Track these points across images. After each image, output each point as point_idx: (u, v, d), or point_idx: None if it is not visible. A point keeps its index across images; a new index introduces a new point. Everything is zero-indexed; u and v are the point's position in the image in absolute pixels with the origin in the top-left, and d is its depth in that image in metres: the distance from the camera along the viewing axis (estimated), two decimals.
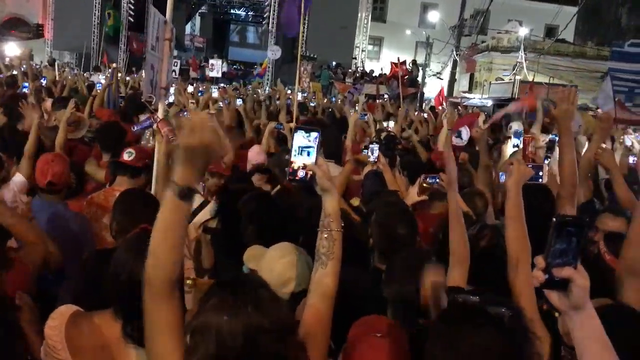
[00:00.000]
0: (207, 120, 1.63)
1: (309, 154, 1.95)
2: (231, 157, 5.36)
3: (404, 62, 21.66)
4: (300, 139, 1.96)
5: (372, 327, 2.07)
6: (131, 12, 27.86)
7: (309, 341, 1.84)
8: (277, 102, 10.98)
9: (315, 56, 23.23)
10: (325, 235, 1.99)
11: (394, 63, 21.16)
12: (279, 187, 4.34)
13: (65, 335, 1.99)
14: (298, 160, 1.96)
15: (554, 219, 1.35)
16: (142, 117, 6.49)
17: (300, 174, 1.96)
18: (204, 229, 3.78)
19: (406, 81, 22.48)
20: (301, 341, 1.80)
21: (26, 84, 8.73)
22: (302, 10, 7.06)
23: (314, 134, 1.96)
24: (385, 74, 27.44)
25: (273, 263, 2.44)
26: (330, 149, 5.87)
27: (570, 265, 1.36)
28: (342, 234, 2.03)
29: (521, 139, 5.59)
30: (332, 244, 1.99)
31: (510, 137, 5.84)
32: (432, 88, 29.40)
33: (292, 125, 7.05)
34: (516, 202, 2.41)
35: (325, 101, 15.36)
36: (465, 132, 6.96)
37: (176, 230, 1.66)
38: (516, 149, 5.64)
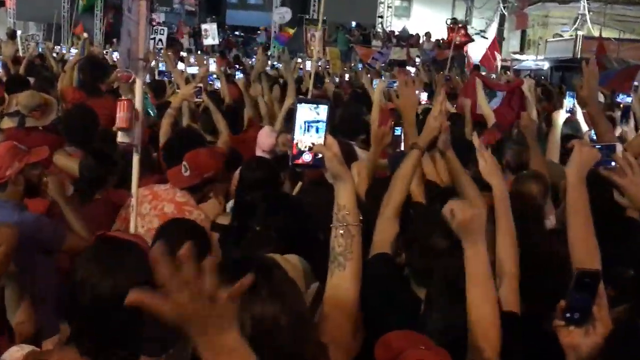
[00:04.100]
0: None
1: (317, 130, 1.86)
2: (226, 140, 5.33)
3: (465, 27, 21.36)
4: (305, 112, 1.87)
5: (410, 341, 2.02)
6: None
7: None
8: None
9: (325, 18, 23.39)
10: (341, 232, 1.97)
11: (449, 27, 20.99)
12: (300, 184, 4.32)
13: None
14: (304, 139, 1.87)
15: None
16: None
17: (306, 157, 1.87)
18: (212, 227, 3.80)
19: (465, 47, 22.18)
20: (323, 343, 1.78)
21: None
22: None
23: (323, 107, 1.88)
24: (418, 34, 27.23)
25: None
26: (351, 128, 5.80)
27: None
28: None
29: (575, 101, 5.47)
30: (351, 241, 1.97)
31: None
32: (476, 49, 29.10)
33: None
34: (578, 194, 2.35)
35: (344, 69, 15.21)
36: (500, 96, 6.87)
37: None
38: (569, 114, 5.53)
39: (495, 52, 15.29)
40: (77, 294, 1.96)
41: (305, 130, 1.87)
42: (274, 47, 24.86)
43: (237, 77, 9.44)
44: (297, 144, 1.88)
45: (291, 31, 21.82)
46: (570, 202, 2.38)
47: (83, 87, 6.83)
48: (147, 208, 3.85)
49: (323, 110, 1.87)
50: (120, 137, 3.46)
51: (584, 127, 5.59)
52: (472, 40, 23.29)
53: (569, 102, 5.59)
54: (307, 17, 25.54)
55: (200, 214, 3.88)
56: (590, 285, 1.54)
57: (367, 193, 3.68)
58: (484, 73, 13.18)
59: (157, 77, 9.43)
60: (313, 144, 1.88)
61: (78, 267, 2.02)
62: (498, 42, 21.44)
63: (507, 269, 2.46)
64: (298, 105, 1.89)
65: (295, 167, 1.97)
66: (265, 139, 5.65)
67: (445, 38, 18.28)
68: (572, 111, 5.54)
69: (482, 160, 2.71)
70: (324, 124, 1.87)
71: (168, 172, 4.13)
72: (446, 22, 26.17)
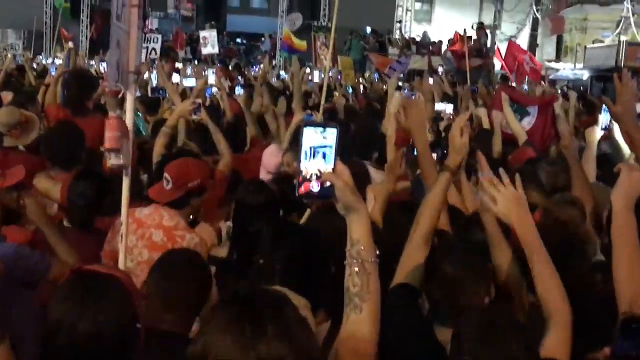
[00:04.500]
0: None
1: (324, 155, 1.89)
2: (228, 162, 5.32)
3: (470, 38, 21.48)
4: (312, 136, 1.90)
5: None
6: None
7: None
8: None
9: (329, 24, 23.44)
10: (356, 269, 1.98)
11: (459, 34, 21.02)
12: (308, 211, 4.32)
13: None
14: (310, 167, 1.90)
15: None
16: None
17: (314, 186, 1.90)
18: (209, 259, 3.77)
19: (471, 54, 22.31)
20: None
21: None
22: None
23: (331, 130, 1.91)
24: (440, 41, 27.26)
25: None
26: (364, 145, 5.79)
27: None
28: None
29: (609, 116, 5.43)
30: (367, 280, 1.98)
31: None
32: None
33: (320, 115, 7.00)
34: (624, 223, 2.37)
35: (356, 81, 15.27)
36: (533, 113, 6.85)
37: None
38: (604, 131, 5.48)
39: (518, 54, 15.13)
40: (52, 336, 1.99)
41: (311, 156, 1.89)
42: (280, 55, 24.98)
43: (237, 92, 9.47)
44: (302, 171, 1.91)
45: (297, 41, 21.79)
46: (616, 233, 2.39)
47: (68, 104, 6.80)
48: (133, 240, 3.79)
49: (331, 134, 1.90)
50: (114, 160, 3.44)
51: (624, 145, 5.57)
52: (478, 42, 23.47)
53: (604, 118, 5.55)
54: (316, 23, 25.69)
55: (193, 238, 3.86)
56: (638, 332, 1.49)
57: (384, 220, 3.69)
58: (513, 84, 13.18)
59: (150, 94, 9.43)
60: (320, 170, 1.90)
61: (52, 307, 2.04)
62: (529, 50, 21.49)
63: (557, 314, 2.38)
64: (304, 129, 1.91)
65: (301, 198, 1.99)
66: (270, 159, 5.64)
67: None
68: (608, 128, 5.51)
69: (491, 203, 2.49)
70: (332, 149, 1.90)
71: (150, 190, 4.10)
72: (472, 26, 26.21)
